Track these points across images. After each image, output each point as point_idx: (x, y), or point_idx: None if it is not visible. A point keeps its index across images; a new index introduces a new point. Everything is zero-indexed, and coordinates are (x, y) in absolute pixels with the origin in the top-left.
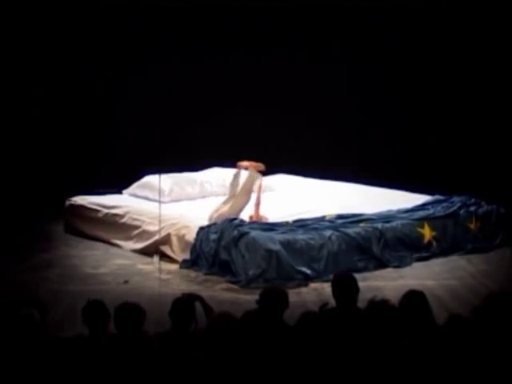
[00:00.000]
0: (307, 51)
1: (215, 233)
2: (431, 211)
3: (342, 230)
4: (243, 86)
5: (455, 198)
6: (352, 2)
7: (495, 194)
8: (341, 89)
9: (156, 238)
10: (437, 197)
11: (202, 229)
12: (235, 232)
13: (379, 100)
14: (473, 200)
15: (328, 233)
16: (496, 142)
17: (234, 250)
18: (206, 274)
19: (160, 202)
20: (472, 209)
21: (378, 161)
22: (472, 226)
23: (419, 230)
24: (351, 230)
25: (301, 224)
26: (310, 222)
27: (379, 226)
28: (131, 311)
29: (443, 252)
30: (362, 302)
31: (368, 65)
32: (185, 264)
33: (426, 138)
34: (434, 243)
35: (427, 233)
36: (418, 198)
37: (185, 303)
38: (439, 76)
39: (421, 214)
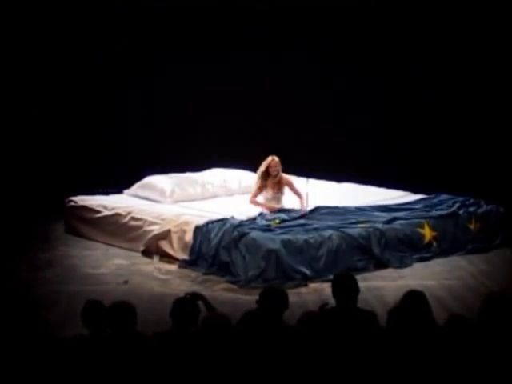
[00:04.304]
0: (307, 52)
1: (215, 234)
2: (432, 212)
3: (343, 229)
4: (245, 87)
5: (443, 197)
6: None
7: (494, 193)
8: (339, 90)
9: (156, 232)
10: (420, 196)
11: (198, 228)
12: (235, 233)
13: (379, 100)
14: (471, 200)
15: (328, 232)
16: (495, 141)
17: (235, 251)
18: (205, 274)
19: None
20: (471, 209)
21: (378, 161)
22: (472, 227)
23: (419, 230)
24: (351, 230)
25: (284, 225)
26: (288, 218)
27: (380, 226)
28: (120, 310)
29: (443, 252)
30: (361, 302)
31: (367, 65)
32: (184, 264)
33: (424, 138)
34: (435, 243)
35: (427, 233)
36: (404, 195)
37: (187, 302)
38: (438, 76)
39: (421, 214)
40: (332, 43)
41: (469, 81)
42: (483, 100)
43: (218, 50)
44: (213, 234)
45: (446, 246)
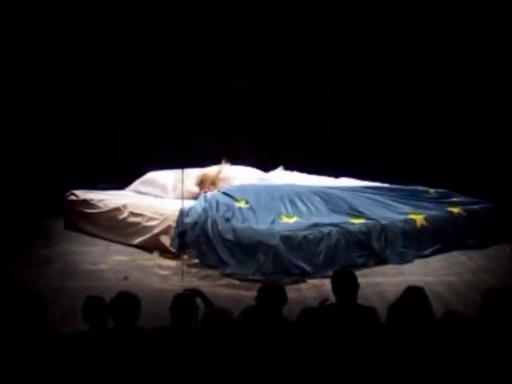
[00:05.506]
0: (305, 52)
1: (209, 225)
2: (420, 204)
3: (342, 225)
4: (246, 85)
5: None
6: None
7: (493, 190)
8: (338, 89)
9: (156, 230)
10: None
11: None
12: (231, 226)
13: (377, 98)
14: (445, 190)
15: (327, 228)
16: (492, 139)
17: (233, 246)
18: (202, 265)
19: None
20: (448, 199)
21: (372, 157)
22: (454, 211)
23: (411, 216)
24: (351, 226)
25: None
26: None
27: (380, 221)
28: (125, 300)
29: (441, 239)
30: (361, 297)
31: (365, 64)
32: (175, 245)
33: (423, 136)
34: (426, 225)
35: (418, 218)
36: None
37: (186, 299)
38: (435, 73)
39: (409, 202)
40: (329, 43)
41: (465, 79)
42: (479, 98)
43: (218, 50)
44: (207, 226)
45: (438, 232)
